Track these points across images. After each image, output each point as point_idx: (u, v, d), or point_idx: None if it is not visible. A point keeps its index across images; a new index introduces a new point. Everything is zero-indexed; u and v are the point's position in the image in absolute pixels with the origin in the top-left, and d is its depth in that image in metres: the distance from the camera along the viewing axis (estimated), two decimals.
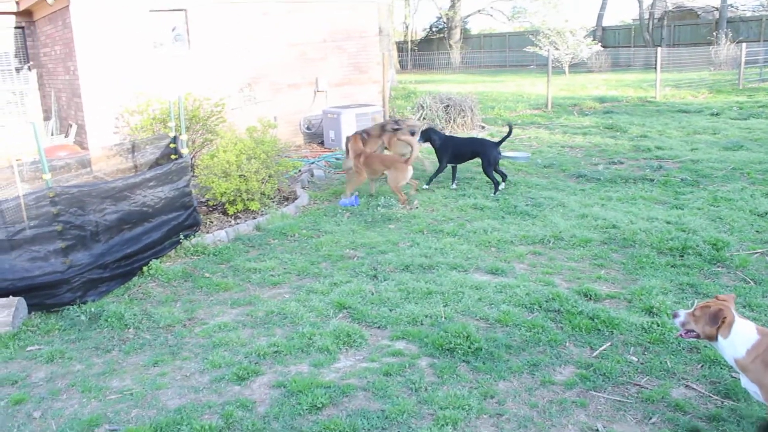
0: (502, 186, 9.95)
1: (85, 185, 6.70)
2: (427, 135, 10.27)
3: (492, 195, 9.73)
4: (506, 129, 10.46)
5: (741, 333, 3.69)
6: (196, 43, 13.62)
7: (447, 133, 12.58)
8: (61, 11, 12.55)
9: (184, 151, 8.42)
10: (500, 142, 10.10)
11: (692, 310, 3.91)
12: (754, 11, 44.94)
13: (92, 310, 6.12)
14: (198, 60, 13.63)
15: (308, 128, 15.36)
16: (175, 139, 9.13)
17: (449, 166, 10.42)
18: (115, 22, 12.42)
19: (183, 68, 13.39)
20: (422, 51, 54.04)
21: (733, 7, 43.64)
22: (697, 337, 3.87)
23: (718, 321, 3.71)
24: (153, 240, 7.33)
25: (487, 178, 10.10)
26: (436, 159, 10.51)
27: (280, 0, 14.65)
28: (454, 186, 10.39)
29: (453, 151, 10.24)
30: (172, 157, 9.00)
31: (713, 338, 3.77)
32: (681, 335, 3.99)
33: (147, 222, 7.33)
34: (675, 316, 3.98)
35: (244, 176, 8.97)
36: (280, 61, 14.87)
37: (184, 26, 13.56)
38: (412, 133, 10.38)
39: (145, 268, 7.09)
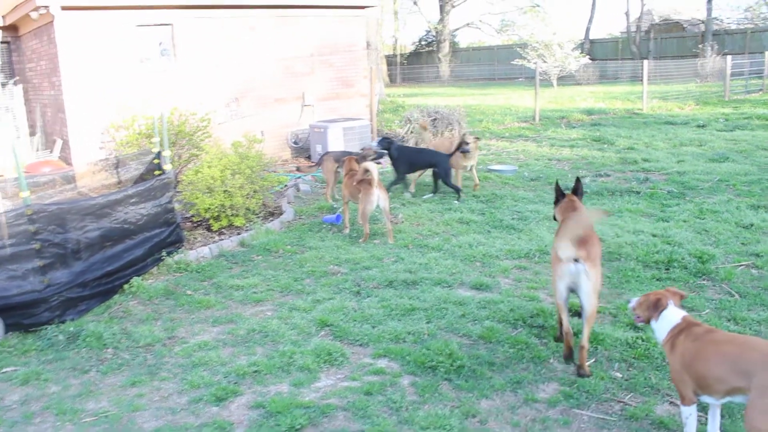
0: (436, 194, 10.72)
1: (64, 202, 6.62)
2: (386, 144, 10.52)
3: (458, 203, 10.11)
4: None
5: (667, 318, 4.02)
6: (182, 58, 13.58)
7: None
8: (46, 26, 12.50)
9: (167, 167, 8.34)
10: (452, 154, 10.57)
11: (642, 297, 4.30)
12: (738, 24, 45.36)
13: (71, 329, 6.00)
14: (184, 75, 13.59)
15: (295, 142, 15.32)
16: (158, 155, 9.05)
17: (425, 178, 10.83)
18: (101, 37, 12.38)
19: (169, 83, 13.34)
20: (411, 64, 54.26)
21: (718, 20, 44.05)
22: (644, 321, 4.26)
23: (656, 308, 4.10)
24: (135, 257, 7.23)
25: (449, 188, 10.61)
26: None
27: (267, 15, 14.65)
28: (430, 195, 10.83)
29: (408, 161, 10.61)
30: (156, 173, 8.92)
31: (649, 322, 4.17)
32: (635, 320, 4.40)
33: (128, 239, 7.23)
34: (629, 302, 4.44)
35: (229, 192, 8.90)
36: (267, 76, 14.84)
37: (170, 41, 13.53)
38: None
39: (126, 286, 6.98)
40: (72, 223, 6.49)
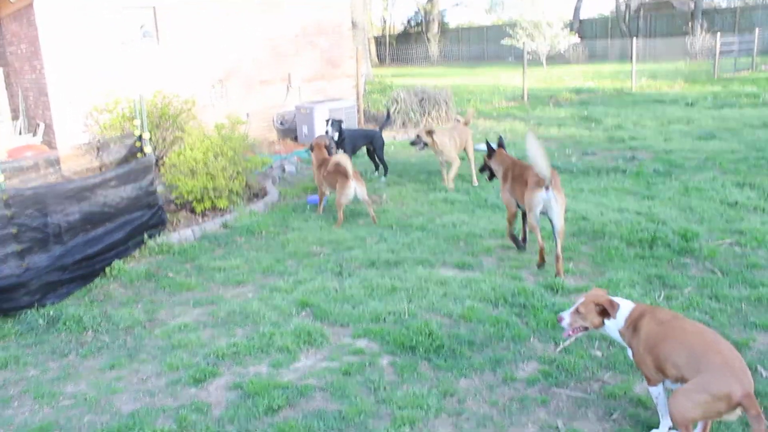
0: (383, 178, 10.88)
1: (41, 186, 6.56)
2: (337, 127, 10.67)
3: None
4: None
5: (622, 309, 4.02)
6: (165, 40, 13.42)
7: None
8: (26, 9, 12.31)
9: (148, 149, 8.26)
10: (381, 128, 11.45)
11: (574, 308, 4.11)
12: (729, 2, 45.20)
13: (51, 313, 5.96)
14: (168, 57, 13.44)
15: (281, 124, 15.22)
16: (140, 138, 8.96)
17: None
18: (82, 20, 12.21)
19: (153, 65, 13.20)
20: (401, 45, 53.88)
21: None
22: (585, 329, 4.17)
23: (612, 307, 4.01)
24: (115, 240, 7.18)
25: (380, 163, 11.11)
26: None
27: None
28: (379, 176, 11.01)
29: (352, 141, 10.95)
30: (139, 155, 8.84)
31: (601, 325, 4.08)
32: (569, 334, 4.24)
33: (109, 222, 7.18)
34: (560, 320, 4.16)
35: (211, 174, 8.83)
36: (252, 57, 14.70)
37: (153, 23, 13.36)
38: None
39: (107, 269, 6.93)
40: (50, 207, 6.43)
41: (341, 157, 8.25)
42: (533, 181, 6.26)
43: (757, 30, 27.72)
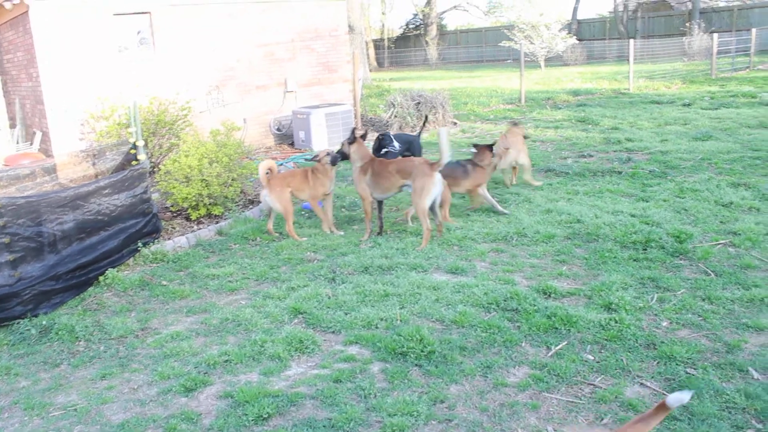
0: None
1: (34, 195, 6.55)
2: (389, 139, 9.87)
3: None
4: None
5: None
6: (161, 47, 13.45)
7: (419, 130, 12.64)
8: (21, 17, 12.35)
9: (142, 156, 8.27)
10: (419, 133, 10.72)
11: None
12: (726, 2, 45.18)
13: (43, 323, 5.97)
14: (164, 63, 13.46)
15: (278, 129, 15.22)
16: (135, 145, 8.97)
17: None
18: (78, 27, 12.24)
19: (149, 72, 13.22)
20: (399, 48, 53.97)
21: None
22: None
23: None
24: (109, 249, 7.19)
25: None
26: None
27: (248, 0, 14.50)
28: None
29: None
30: (134, 163, 8.85)
31: None
32: None
33: (103, 231, 7.18)
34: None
35: (206, 180, 8.83)
36: (248, 63, 14.72)
37: (148, 29, 13.39)
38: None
39: (101, 278, 6.94)
40: (43, 216, 6.43)
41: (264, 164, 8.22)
42: (427, 169, 7.30)
43: (753, 30, 27.72)
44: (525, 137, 10.23)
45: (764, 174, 9.71)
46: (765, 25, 33.32)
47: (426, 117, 11.93)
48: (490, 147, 8.82)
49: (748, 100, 17.67)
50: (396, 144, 9.54)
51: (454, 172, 8.38)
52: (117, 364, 5.25)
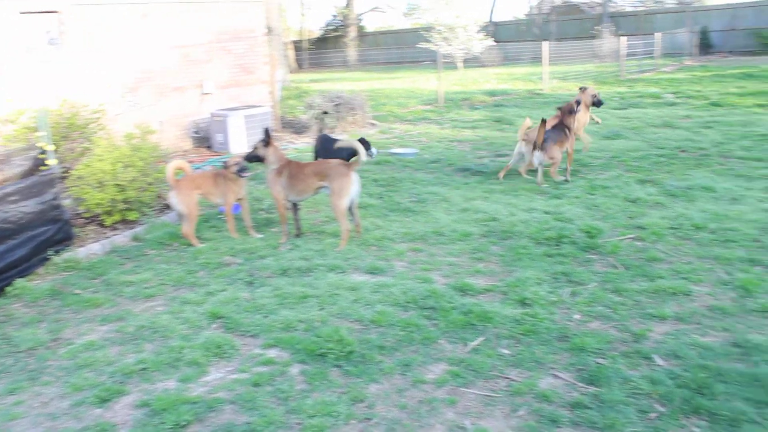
0: None
1: None
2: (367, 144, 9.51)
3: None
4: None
5: None
6: (73, 47, 12.99)
7: (339, 132, 12.64)
8: None
9: (51, 161, 7.99)
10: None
11: None
12: (633, 6, 47.15)
13: None
14: (75, 65, 13.01)
15: (196, 132, 14.96)
16: (44, 150, 8.67)
17: None
18: None
19: (59, 74, 12.76)
20: (319, 49, 53.85)
21: (614, 2, 45.63)
22: None
23: None
24: (17, 258, 6.92)
25: None
26: None
27: (162, 1, 14.19)
28: None
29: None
30: (42, 168, 8.55)
31: None
32: None
33: (9, 239, 6.90)
34: None
35: (121, 185, 8.61)
36: (164, 64, 14.40)
37: (58, 29, 12.93)
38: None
39: (8, 288, 6.67)
40: None
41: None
42: (344, 169, 7.44)
43: (658, 34, 28.97)
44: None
45: (668, 171, 10.20)
46: (667, 29, 34.85)
47: (325, 112, 11.78)
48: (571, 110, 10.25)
49: (653, 100, 18.47)
50: (374, 150, 9.05)
51: (558, 135, 9.88)
52: (26, 377, 5.06)
